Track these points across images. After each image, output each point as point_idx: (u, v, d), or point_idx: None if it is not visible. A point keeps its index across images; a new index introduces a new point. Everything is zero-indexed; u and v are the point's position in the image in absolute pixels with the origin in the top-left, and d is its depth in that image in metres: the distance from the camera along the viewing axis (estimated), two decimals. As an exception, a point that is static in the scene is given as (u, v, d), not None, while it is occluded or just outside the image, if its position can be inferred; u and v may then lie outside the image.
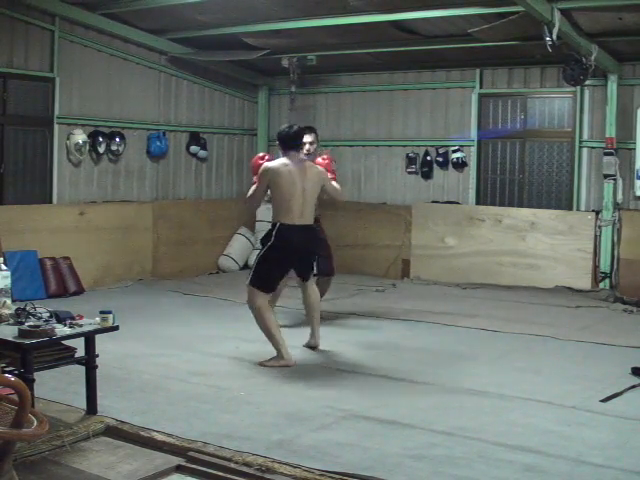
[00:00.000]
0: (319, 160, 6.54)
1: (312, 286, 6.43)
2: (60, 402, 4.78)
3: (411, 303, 8.64)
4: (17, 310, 4.58)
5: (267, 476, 3.84)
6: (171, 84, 10.68)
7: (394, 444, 4.24)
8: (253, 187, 6.08)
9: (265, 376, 5.62)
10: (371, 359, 6.16)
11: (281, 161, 6.01)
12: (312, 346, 6.45)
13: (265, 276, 5.95)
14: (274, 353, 5.93)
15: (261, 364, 5.86)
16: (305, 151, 6.79)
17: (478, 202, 10.29)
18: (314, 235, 6.22)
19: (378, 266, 10.67)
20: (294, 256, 6.02)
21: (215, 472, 3.94)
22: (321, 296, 6.86)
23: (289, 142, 6.03)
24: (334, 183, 6.42)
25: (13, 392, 3.02)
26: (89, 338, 4.51)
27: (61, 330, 4.39)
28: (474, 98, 10.35)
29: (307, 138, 6.89)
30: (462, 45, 9.36)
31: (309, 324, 6.50)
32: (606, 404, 5.04)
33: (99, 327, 4.56)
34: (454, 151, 10.35)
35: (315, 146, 7.14)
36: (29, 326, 4.29)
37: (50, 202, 9.17)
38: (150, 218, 10.16)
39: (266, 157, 6.21)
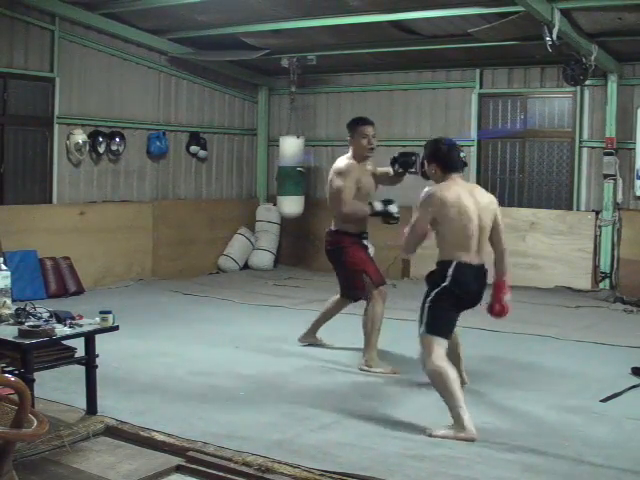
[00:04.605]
0: None
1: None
2: (60, 402, 4.78)
3: (411, 303, 8.59)
4: (17, 310, 4.58)
5: (267, 476, 3.83)
6: (171, 84, 10.68)
7: (394, 444, 4.24)
8: (408, 229, 4.97)
9: (265, 376, 5.61)
10: (371, 359, 6.16)
11: (445, 186, 4.75)
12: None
13: (444, 319, 4.78)
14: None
15: (432, 435, 4.48)
16: (369, 146, 6.08)
17: (478, 202, 10.29)
18: (486, 279, 4.97)
19: (378, 266, 10.65)
20: (471, 299, 4.88)
21: (215, 472, 3.94)
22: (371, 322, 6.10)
23: (451, 161, 4.82)
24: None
25: (13, 392, 3.02)
26: (89, 338, 4.50)
27: (61, 330, 4.39)
28: (474, 98, 10.35)
29: (370, 130, 6.10)
30: (462, 45, 9.37)
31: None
32: (606, 404, 5.04)
33: (99, 327, 4.55)
34: (454, 151, 10.33)
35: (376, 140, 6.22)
36: (29, 326, 4.29)
37: (50, 202, 9.17)
38: (150, 218, 10.16)
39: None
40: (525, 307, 8.49)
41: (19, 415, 2.95)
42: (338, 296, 6.42)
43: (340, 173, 6.02)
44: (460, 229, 4.74)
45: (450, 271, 4.73)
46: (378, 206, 6.02)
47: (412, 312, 7.95)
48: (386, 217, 6.12)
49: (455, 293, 4.73)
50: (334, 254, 6.21)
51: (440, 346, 4.66)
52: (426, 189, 4.76)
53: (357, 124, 6.18)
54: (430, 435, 4.45)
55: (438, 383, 4.61)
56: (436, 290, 4.73)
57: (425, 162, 4.95)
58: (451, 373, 4.59)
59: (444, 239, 4.81)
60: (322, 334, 6.61)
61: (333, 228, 6.21)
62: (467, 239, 4.75)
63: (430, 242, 5.09)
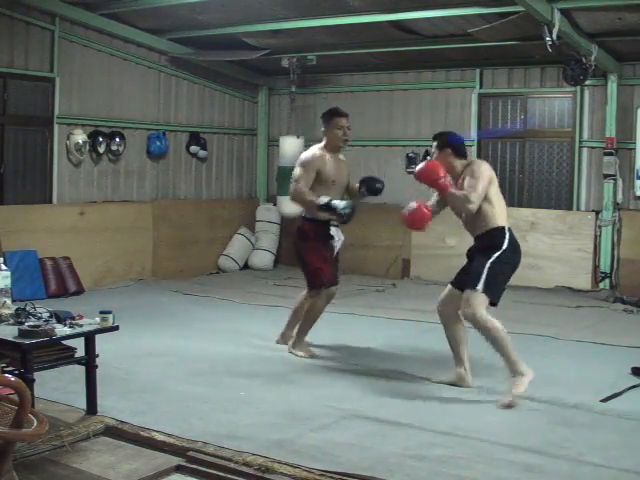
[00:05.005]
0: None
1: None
2: (60, 402, 4.78)
3: (411, 303, 8.64)
4: (17, 310, 4.57)
5: (267, 476, 3.83)
6: (171, 84, 10.68)
7: (394, 444, 4.24)
8: (473, 191, 5.07)
9: (265, 376, 5.61)
10: (371, 359, 6.17)
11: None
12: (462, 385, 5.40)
13: (500, 282, 5.13)
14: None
15: (510, 404, 4.89)
16: (345, 137, 6.20)
17: (478, 202, 10.29)
18: None
19: (378, 266, 10.67)
20: (519, 260, 5.27)
21: (215, 472, 3.94)
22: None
23: (464, 147, 5.42)
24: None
25: (13, 392, 3.02)
26: (89, 338, 4.50)
27: (61, 330, 4.38)
28: (474, 98, 10.35)
29: (344, 122, 6.21)
30: (462, 45, 9.37)
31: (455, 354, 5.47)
32: (606, 404, 5.04)
33: (99, 327, 4.55)
34: (454, 151, 10.34)
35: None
36: (29, 326, 4.28)
37: (50, 202, 9.17)
38: (150, 218, 10.16)
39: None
40: (525, 307, 8.50)
41: (19, 415, 2.96)
42: (304, 292, 6.40)
43: (301, 163, 6.15)
44: (501, 197, 5.25)
45: (506, 235, 5.14)
46: (323, 200, 5.90)
47: (412, 312, 8.03)
48: (330, 213, 5.92)
49: (512, 255, 5.12)
50: (298, 244, 6.28)
51: (485, 306, 5.00)
52: (478, 160, 5.41)
53: (332, 115, 6.27)
54: (509, 405, 4.86)
55: (493, 336, 4.99)
56: (496, 254, 5.07)
57: (436, 152, 5.31)
58: (501, 326, 5.00)
59: (492, 206, 5.17)
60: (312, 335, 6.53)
61: (302, 214, 6.30)
62: (504, 207, 5.27)
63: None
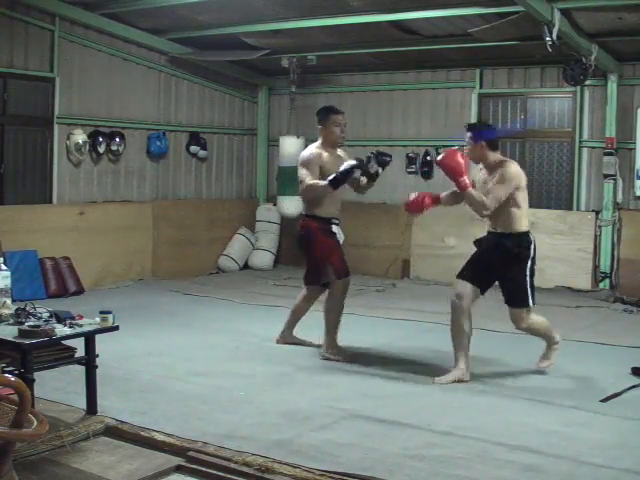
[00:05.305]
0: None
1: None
2: (60, 402, 4.78)
3: (411, 303, 8.64)
4: (17, 310, 4.58)
5: (267, 476, 3.83)
6: (171, 84, 10.68)
7: (394, 444, 4.24)
8: (496, 194, 5.22)
9: (265, 376, 5.62)
10: (371, 359, 6.16)
11: (513, 162, 5.46)
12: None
13: (535, 290, 5.45)
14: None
15: (544, 369, 5.69)
16: (342, 134, 6.25)
17: (478, 202, 10.29)
18: None
19: (378, 266, 10.67)
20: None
21: (215, 472, 3.94)
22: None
23: (497, 139, 5.47)
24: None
25: (13, 392, 3.02)
26: (89, 338, 4.50)
27: (61, 330, 4.39)
28: (474, 98, 10.35)
29: (341, 119, 6.25)
30: (462, 45, 9.37)
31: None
32: (606, 404, 5.04)
33: (99, 327, 4.56)
34: (454, 151, 10.34)
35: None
36: (29, 326, 4.29)
37: (50, 202, 9.17)
38: (150, 218, 10.16)
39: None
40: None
41: (19, 415, 2.95)
42: (304, 291, 6.49)
43: (303, 163, 6.18)
44: (526, 201, 5.36)
45: (532, 239, 5.35)
46: (329, 178, 5.94)
47: (412, 312, 8.03)
48: (342, 181, 5.92)
49: (534, 260, 5.38)
50: (302, 239, 6.31)
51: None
52: (510, 163, 5.33)
53: (329, 113, 6.30)
54: (543, 370, 5.58)
55: (541, 331, 5.64)
56: (528, 263, 5.33)
57: (471, 143, 5.37)
58: (543, 317, 5.62)
59: (520, 210, 5.30)
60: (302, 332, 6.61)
61: (303, 212, 6.34)
62: (527, 209, 5.38)
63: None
